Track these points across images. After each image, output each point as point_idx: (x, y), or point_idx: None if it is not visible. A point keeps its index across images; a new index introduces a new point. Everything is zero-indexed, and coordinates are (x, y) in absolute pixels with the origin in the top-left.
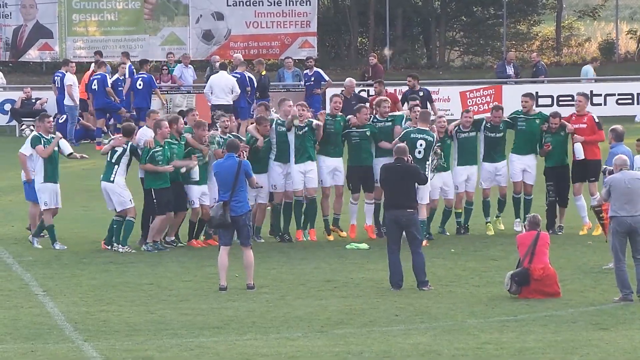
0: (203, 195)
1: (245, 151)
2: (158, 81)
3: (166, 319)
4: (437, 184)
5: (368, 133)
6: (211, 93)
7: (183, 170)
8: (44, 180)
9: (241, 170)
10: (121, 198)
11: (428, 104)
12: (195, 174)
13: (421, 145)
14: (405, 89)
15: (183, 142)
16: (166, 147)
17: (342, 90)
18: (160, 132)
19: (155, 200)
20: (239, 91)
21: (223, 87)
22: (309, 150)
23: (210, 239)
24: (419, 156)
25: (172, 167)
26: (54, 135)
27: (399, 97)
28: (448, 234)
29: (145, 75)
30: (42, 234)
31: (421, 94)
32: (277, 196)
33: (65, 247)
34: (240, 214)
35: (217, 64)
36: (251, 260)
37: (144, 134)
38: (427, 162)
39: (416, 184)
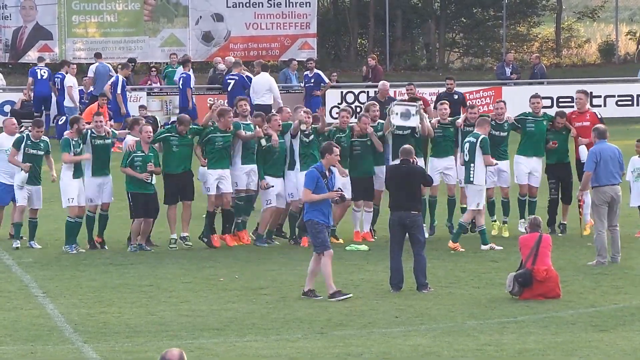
0: (220, 180)
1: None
2: (149, 83)
3: (166, 321)
4: (437, 167)
5: (369, 143)
6: (254, 93)
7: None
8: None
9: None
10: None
11: (461, 107)
12: (202, 176)
13: (466, 147)
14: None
15: (189, 135)
16: (151, 153)
17: (376, 94)
18: (141, 137)
19: (131, 204)
20: (278, 93)
21: (263, 87)
22: (315, 159)
23: (240, 230)
24: (466, 159)
25: (148, 175)
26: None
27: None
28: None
29: (185, 75)
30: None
31: (456, 97)
32: (294, 204)
33: (18, 246)
34: (304, 220)
35: (219, 65)
36: (313, 266)
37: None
38: (472, 165)
39: (422, 184)
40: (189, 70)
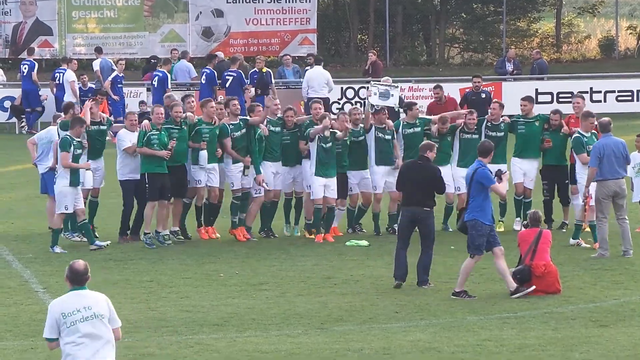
0: (210, 173)
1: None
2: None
3: (166, 316)
4: None
5: (349, 142)
6: (308, 87)
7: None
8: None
9: (474, 179)
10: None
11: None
12: (204, 160)
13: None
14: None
15: (185, 127)
16: (163, 132)
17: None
18: (154, 118)
19: (147, 185)
20: (333, 86)
21: (319, 81)
22: (333, 165)
23: (235, 229)
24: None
25: (169, 152)
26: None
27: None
28: (451, 229)
29: (209, 71)
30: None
31: (483, 95)
32: (267, 194)
33: (66, 252)
34: (465, 220)
35: (222, 59)
36: (466, 266)
37: (124, 136)
38: (575, 166)
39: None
40: (214, 67)
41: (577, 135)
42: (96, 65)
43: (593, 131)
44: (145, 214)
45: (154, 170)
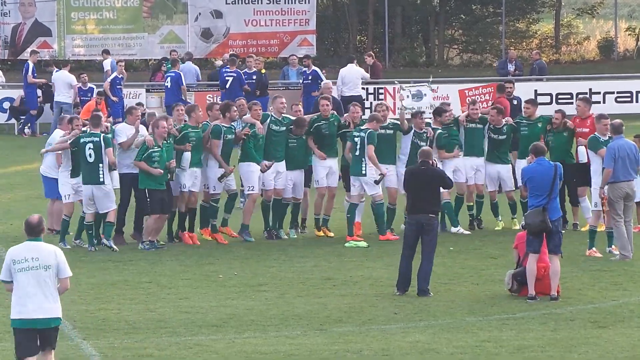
0: (195, 179)
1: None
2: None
3: (165, 317)
4: (445, 168)
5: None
6: (342, 85)
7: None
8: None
9: (557, 175)
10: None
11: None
12: (186, 162)
13: None
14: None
15: (171, 139)
16: (164, 148)
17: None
18: (157, 132)
19: (148, 200)
20: (367, 77)
21: (353, 78)
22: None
23: (216, 233)
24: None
25: (162, 171)
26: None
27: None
28: (460, 227)
29: (236, 72)
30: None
31: (515, 102)
32: (266, 194)
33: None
34: (552, 220)
35: (220, 61)
36: (557, 269)
37: (122, 131)
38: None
39: (441, 188)
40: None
41: (593, 135)
42: (107, 65)
43: (610, 136)
44: (147, 225)
45: (154, 187)
